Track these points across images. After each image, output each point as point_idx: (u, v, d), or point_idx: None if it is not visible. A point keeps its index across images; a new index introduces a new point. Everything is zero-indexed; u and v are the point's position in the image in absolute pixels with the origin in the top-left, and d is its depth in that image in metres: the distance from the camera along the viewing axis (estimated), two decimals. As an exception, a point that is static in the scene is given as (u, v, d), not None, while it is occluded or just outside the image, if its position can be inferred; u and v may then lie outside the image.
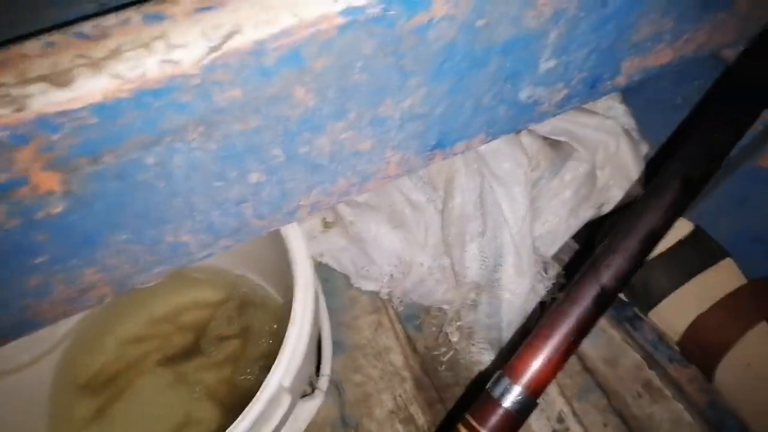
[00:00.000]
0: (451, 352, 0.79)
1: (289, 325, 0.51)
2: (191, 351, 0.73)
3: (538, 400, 0.43)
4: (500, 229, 0.72)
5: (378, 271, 0.77)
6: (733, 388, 0.76)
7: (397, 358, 0.78)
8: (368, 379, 0.76)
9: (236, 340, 0.73)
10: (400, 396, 0.75)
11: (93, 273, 0.41)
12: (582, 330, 0.43)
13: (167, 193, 0.39)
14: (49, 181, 0.33)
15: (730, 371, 0.76)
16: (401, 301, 0.80)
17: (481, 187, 0.75)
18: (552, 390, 0.78)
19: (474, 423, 0.42)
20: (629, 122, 0.84)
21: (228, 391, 0.70)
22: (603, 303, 0.44)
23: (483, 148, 0.77)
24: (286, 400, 0.49)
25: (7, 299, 0.38)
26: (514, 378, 0.42)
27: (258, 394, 0.47)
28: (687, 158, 0.44)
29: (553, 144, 0.82)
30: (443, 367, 0.79)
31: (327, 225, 0.82)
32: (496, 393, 0.42)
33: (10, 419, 0.63)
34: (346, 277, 0.83)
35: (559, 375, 0.82)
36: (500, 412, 0.42)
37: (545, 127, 0.82)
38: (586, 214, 0.82)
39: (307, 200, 0.47)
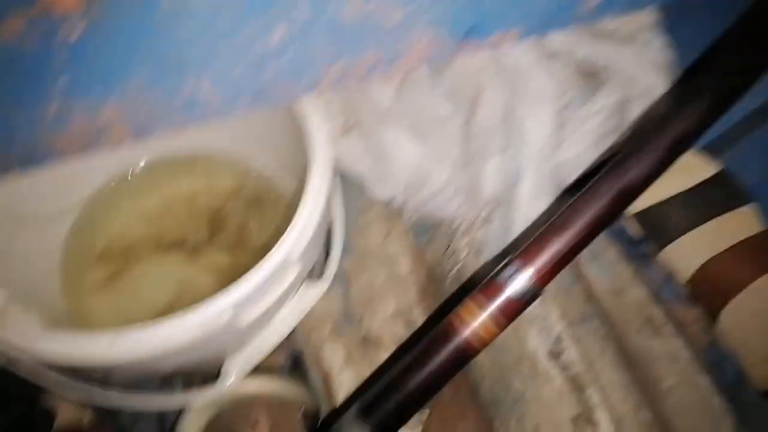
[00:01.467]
0: (459, 266, 0.79)
1: (305, 193, 0.50)
2: (201, 236, 0.74)
3: (543, 291, 0.43)
4: (522, 147, 0.71)
5: (393, 180, 0.77)
6: (735, 332, 0.76)
7: (404, 266, 0.79)
8: (373, 282, 0.77)
9: (246, 228, 0.74)
10: (403, 301, 0.76)
11: (111, 110, 0.41)
12: (596, 227, 0.43)
13: (189, 31, 0.38)
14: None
15: (734, 316, 0.76)
16: (414, 213, 0.80)
17: (507, 103, 0.73)
18: (553, 313, 0.79)
19: (473, 305, 0.42)
20: (666, 57, 0.80)
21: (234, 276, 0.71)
22: (621, 203, 0.43)
23: (513, 64, 0.75)
24: (293, 271, 0.50)
25: (26, 123, 0.39)
26: (523, 264, 0.42)
27: (266, 257, 0.48)
28: (718, 72, 0.42)
29: (584, 73, 0.79)
30: (449, 280, 0.79)
31: (346, 129, 0.81)
32: (503, 277, 0.43)
33: (25, 276, 0.65)
34: (360, 185, 0.83)
35: (563, 300, 0.82)
36: (504, 295, 0.42)
37: (579, 54, 0.79)
38: (611, 146, 0.80)
39: (331, 71, 0.46)
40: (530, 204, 0.73)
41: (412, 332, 0.75)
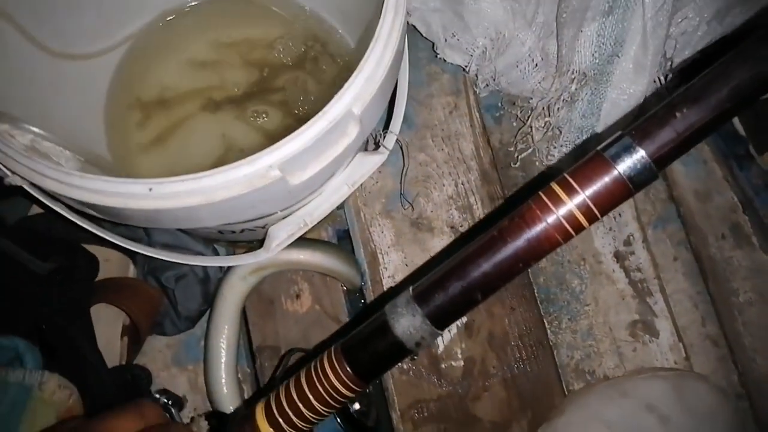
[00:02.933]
0: (529, 151, 0.71)
1: (372, 42, 0.42)
2: (253, 90, 0.67)
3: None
4: (632, 10, 0.59)
5: (470, 41, 0.67)
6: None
7: (467, 146, 0.71)
8: (432, 161, 0.70)
9: (299, 87, 0.66)
10: (462, 184, 0.70)
11: None
12: (727, 110, 0.34)
13: None
14: None
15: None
16: (487, 85, 0.71)
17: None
18: (626, 211, 0.71)
19: (572, 182, 0.35)
20: None
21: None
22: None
23: None
24: (353, 129, 0.43)
25: None
26: (640, 140, 0.34)
27: (324, 109, 0.41)
28: None
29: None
30: (516, 164, 0.72)
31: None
32: (610, 153, 0.35)
33: (72, 125, 0.60)
34: (429, 50, 0.73)
35: (639, 198, 0.74)
36: (610, 175, 0.34)
37: None
38: (734, 21, 0.67)
39: None
40: (628, 81, 0.63)
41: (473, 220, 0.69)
